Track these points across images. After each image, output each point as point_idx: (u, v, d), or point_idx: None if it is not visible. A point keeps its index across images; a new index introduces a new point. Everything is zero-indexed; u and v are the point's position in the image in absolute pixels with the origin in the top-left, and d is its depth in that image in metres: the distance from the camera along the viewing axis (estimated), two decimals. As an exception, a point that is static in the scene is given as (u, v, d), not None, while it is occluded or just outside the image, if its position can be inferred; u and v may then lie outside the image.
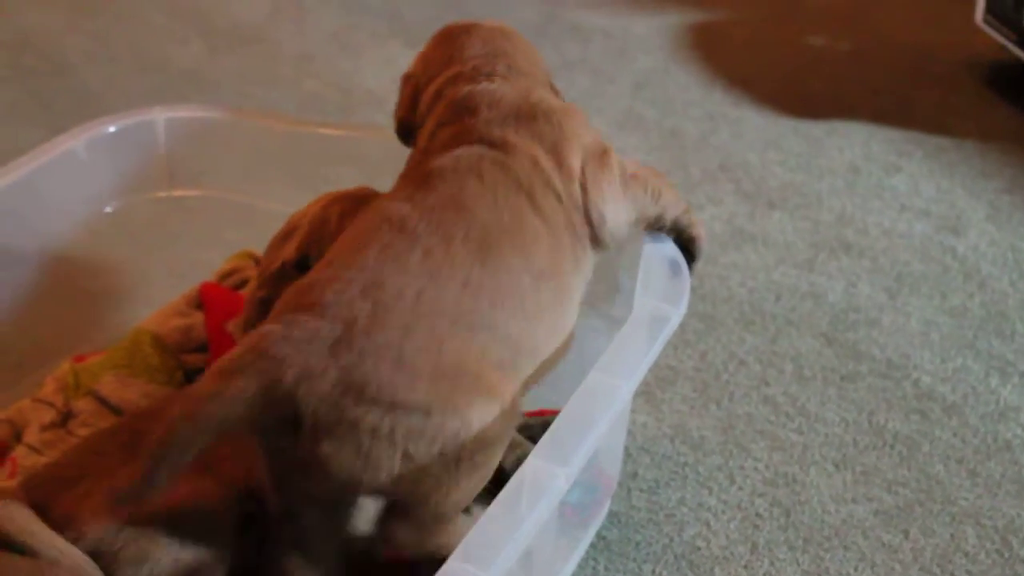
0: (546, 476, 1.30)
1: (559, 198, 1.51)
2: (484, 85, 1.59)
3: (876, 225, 2.46)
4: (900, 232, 2.44)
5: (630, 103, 2.90)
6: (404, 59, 3.02)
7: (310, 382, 1.31)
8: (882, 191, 2.58)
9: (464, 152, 1.51)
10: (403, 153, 1.88)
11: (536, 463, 1.31)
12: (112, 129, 1.93)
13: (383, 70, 3.01)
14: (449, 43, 1.69)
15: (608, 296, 1.76)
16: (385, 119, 2.74)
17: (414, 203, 1.46)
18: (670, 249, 1.68)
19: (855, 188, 2.59)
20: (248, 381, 1.31)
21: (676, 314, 1.57)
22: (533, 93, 1.58)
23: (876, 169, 2.66)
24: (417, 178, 1.51)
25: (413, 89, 1.70)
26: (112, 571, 1.41)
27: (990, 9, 2.92)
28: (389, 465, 1.33)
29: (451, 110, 1.58)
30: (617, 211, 1.56)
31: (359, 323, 1.34)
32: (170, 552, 1.43)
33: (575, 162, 1.54)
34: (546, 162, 1.52)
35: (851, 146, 2.74)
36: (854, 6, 3.43)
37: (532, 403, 1.81)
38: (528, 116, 1.55)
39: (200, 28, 3.20)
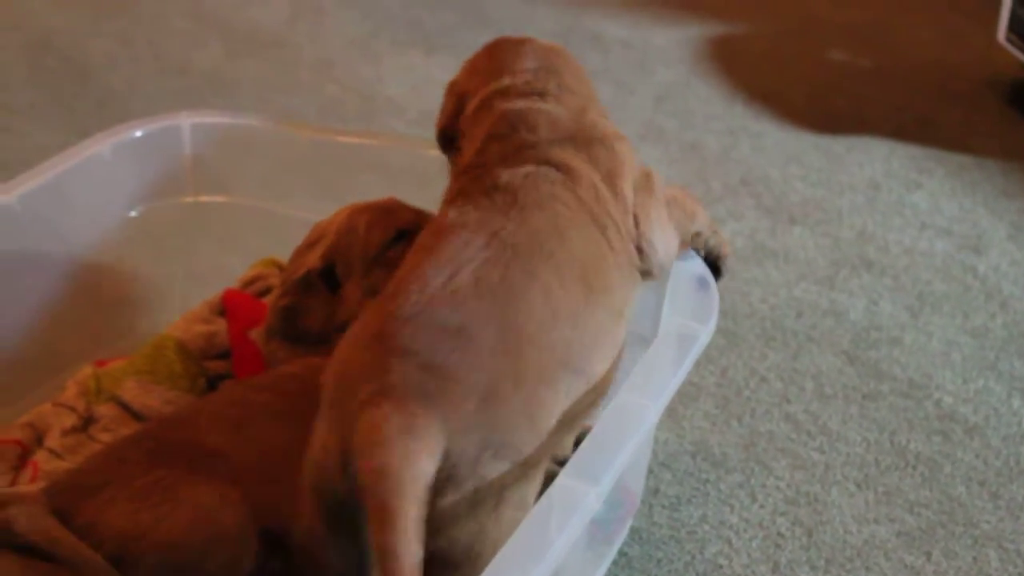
0: (577, 495, 1.29)
1: (618, 229, 1.49)
2: (538, 104, 1.55)
3: (897, 243, 2.45)
4: (921, 250, 2.43)
5: (651, 115, 2.90)
6: (424, 67, 3.04)
7: (460, 442, 1.26)
8: (903, 208, 2.58)
9: (533, 171, 1.47)
10: (426, 163, 1.88)
11: (567, 482, 1.31)
12: (138, 134, 1.92)
13: (403, 78, 3.01)
14: (500, 54, 1.65)
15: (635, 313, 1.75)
16: (405, 127, 2.75)
17: (513, 221, 1.41)
18: (698, 267, 1.67)
19: (876, 205, 2.59)
20: (425, 458, 1.23)
21: (705, 332, 1.56)
22: (586, 115, 1.56)
23: (897, 186, 2.66)
24: (495, 192, 1.45)
25: (458, 98, 1.66)
26: None
27: (1012, 27, 2.91)
28: (487, 510, 1.31)
29: (504, 124, 1.54)
30: (666, 241, 1.55)
31: (503, 379, 1.29)
32: (192, 561, 1.43)
33: (628, 191, 1.52)
34: (604, 191, 1.50)
35: (872, 162, 2.74)
36: (875, 23, 3.43)
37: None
38: (585, 140, 1.52)
39: (220, 32, 3.20)
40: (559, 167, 1.48)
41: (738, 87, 3.04)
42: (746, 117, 2.91)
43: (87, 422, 1.81)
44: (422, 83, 2.96)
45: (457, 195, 1.49)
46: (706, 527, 1.80)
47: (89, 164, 1.87)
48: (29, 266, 1.85)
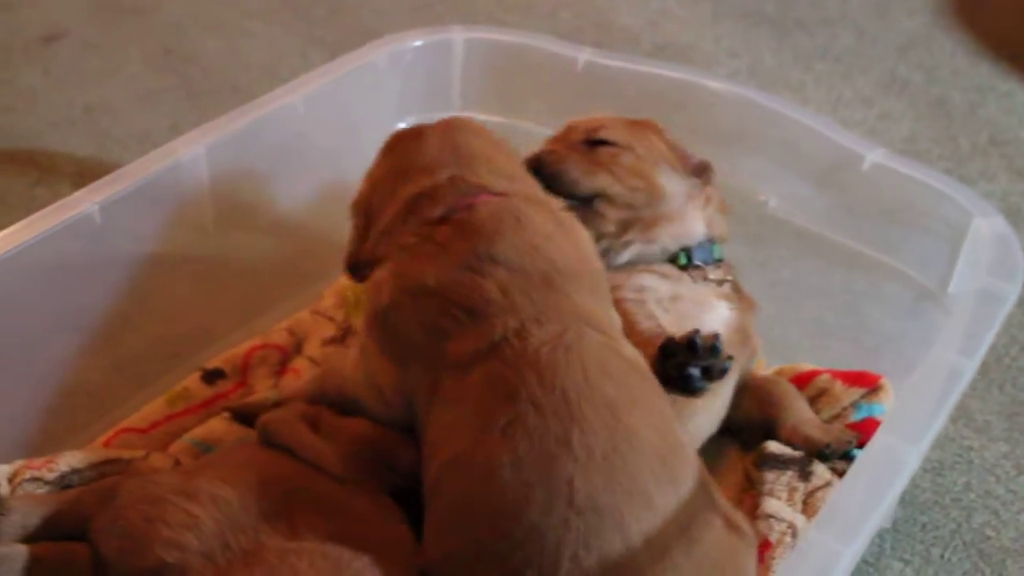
0: (899, 454, 1.24)
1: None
2: (500, 212, 1.38)
3: None
4: None
5: (894, 65, 2.80)
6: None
7: None
8: None
9: (570, 335, 1.29)
10: (655, 102, 1.82)
11: (888, 439, 1.25)
12: (418, 43, 1.89)
13: (638, 7, 2.93)
14: (394, 153, 1.53)
15: (921, 266, 1.70)
16: (641, 56, 2.67)
17: (578, 449, 1.22)
18: (999, 224, 1.60)
19: None
20: None
21: (1013, 292, 1.49)
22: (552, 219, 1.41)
23: None
24: (540, 388, 1.25)
25: (363, 217, 1.52)
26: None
27: None
28: None
29: (477, 242, 1.35)
30: None
31: None
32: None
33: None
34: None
35: None
36: None
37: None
38: (588, 275, 1.39)
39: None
40: (591, 323, 1.32)
41: (984, 43, 2.91)
42: (993, 75, 2.79)
43: (345, 333, 1.80)
44: (657, 14, 2.89)
45: (474, 362, 1.29)
46: (971, 495, 1.73)
47: (365, 72, 1.84)
48: (303, 169, 1.83)
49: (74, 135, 2.37)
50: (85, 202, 1.54)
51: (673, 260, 1.66)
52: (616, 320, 1.41)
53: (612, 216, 1.64)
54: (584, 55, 1.89)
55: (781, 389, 1.66)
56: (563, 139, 1.70)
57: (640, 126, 1.69)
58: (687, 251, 1.66)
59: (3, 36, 2.66)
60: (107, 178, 1.59)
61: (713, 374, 1.40)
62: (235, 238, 1.78)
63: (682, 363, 1.39)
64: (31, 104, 2.46)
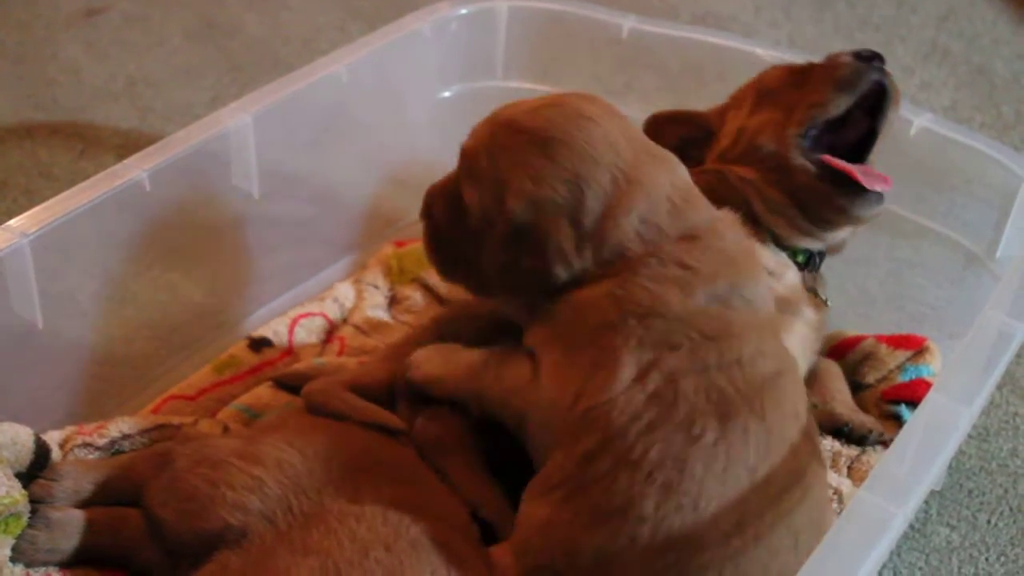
0: (951, 414, 1.24)
1: None
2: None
3: None
4: None
5: (934, 34, 2.78)
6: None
7: None
8: None
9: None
10: (698, 72, 1.81)
11: (940, 399, 1.25)
12: (463, 11, 1.88)
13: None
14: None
15: (969, 231, 1.69)
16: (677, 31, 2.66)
17: None
18: (1050, 188, 1.60)
19: None
20: None
21: (1066, 257, 1.49)
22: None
23: None
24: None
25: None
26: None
27: None
28: None
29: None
30: None
31: None
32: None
33: None
34: None
35: None
36: None
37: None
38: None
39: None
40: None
41: (1025, 11, 2.90)
42: (1036, 44, 2.77)
43: (391, 301, 1.81)
44: (696, -14, 2.88)
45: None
46: (1017, 461, 1.73)
47: (408, 41, 1.84)
48: (346, 138, 1.83)
49: (117, 108, 2.38)
50: (134, 170, 1.54)
51: (793, 255, 1.60)
52: None
53: None
54: (629, 22, 1.88)
55: (822, 368, 1.66)
56: None
57: None
58: (811, 252, 1.62)
59: (46, 10, 2.67)
60: (155, 147, 1.59)
61: None
62: (280, 207, 1.78)
63: None
64: (74, 77, 2.47)
